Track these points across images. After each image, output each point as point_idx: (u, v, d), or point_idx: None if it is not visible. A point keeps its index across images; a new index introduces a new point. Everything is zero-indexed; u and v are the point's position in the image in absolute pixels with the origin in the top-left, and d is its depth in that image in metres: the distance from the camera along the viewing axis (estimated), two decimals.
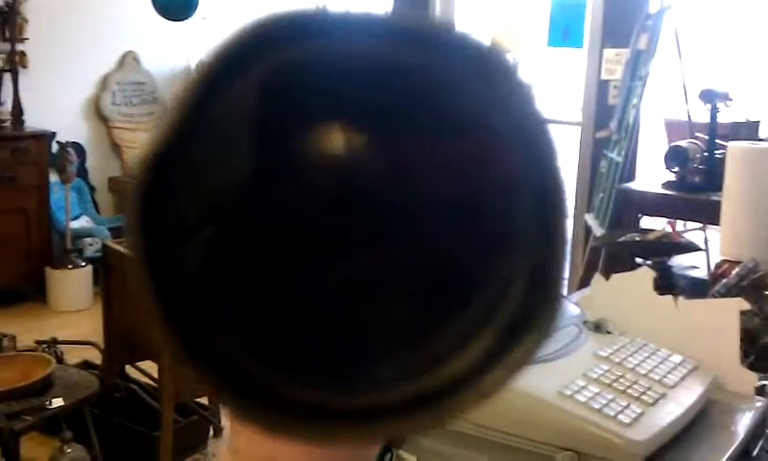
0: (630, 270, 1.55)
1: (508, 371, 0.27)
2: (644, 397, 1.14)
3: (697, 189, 3.37)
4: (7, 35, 4.66)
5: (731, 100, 3.48)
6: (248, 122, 0.32)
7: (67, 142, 4.55)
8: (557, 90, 5.55)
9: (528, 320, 0.28)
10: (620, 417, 1.08)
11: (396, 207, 0.32)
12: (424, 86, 0.30)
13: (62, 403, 2.39)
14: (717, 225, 2.83)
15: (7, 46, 4.65)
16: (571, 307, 1.40)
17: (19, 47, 4.69)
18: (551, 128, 0.28)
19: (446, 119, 0.31)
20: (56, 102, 4.91)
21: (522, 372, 0.28)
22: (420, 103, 0.31)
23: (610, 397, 1.12)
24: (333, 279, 0.33)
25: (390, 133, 0.32)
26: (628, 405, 1.11)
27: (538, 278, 0.28)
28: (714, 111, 3.41)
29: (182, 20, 4.41)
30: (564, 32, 4.78)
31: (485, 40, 0.28)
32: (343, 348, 0.32)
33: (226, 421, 3.03)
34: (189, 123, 0.28)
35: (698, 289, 2.21)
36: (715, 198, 3.03)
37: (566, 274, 4.38)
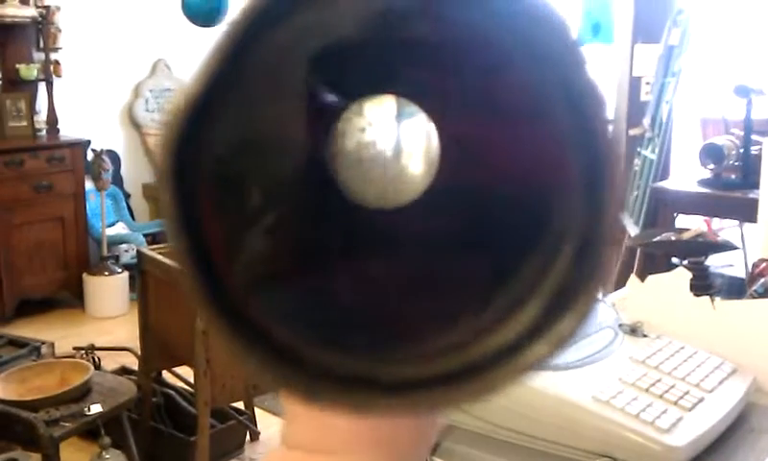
0: (666, 270, 1.54)
1: (551, 345, 0.27)
2: (682, 401, 1.13)
3: (733, 186, 3.32)
4: (41, 45, 4.73)
5: (764, 95, 3.43)
6: (290, 86, 0.31)
7: (102, 150, 4.61)
8: None
9: (572, 293, 0.27)
10: (658, 422, 1.07)
11: (448, 182, 0.32)
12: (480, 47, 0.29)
13: (101, 409, 2.42)
14: (754, 222, 2.79)
15: (41, 56, 4.72)
16: (606, 310, 1.39)
17: (53, 57, 4.75)
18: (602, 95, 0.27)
19: (498, 89, 0.31)
20: (90, 110, 4.97)
21: (565, 347, 0.28)
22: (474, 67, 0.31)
23: (647, 401, 1.11)
24: (382, 256, 0.34)
25: (443, 110, 0.32)
26: (666, 410, 1.10)
27: (585, 248, 0.27)
28: (750, 107, 3.36)
29: (212, 26, 4.44)
30: (593, 28, 4.74)
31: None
32: (393, 320, 0.32)
33: (265, 426, 3.05)
34: (227, 70, 0.27)
35: (735, 289, 2.18)
36: (752, 195, 2.99)
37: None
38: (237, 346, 0.28)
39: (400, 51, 0.31)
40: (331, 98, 0.33)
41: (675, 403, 1.12)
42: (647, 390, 1.14)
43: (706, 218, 4.22)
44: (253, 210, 0.31)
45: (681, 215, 3.69)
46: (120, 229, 4.94)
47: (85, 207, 4.65)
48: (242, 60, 0.27)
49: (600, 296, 0.28)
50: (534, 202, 0.30)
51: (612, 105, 4.48)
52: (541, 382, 1.12)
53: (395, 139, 0.33)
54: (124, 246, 4.80)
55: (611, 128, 0.27)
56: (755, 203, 2.20)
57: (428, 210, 0.33)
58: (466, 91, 0.32)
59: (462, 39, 0.29)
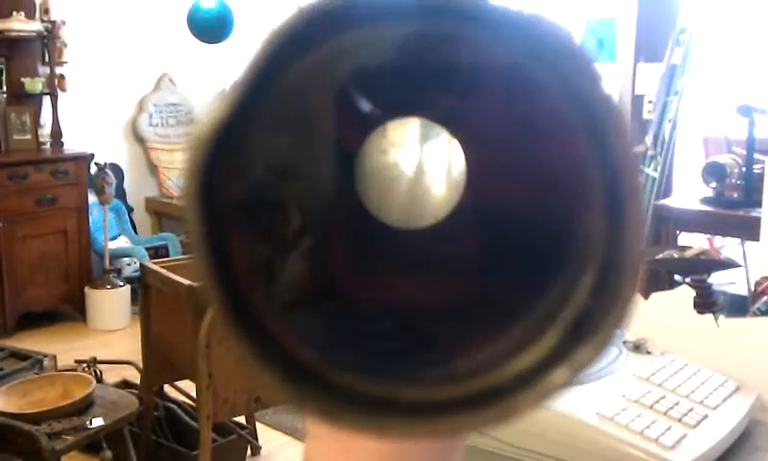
0: (669, 288, 1.54)
1: (571, 370, 0.27)
2: (686, 418, 1.13)
3: (735, 205, 3.33)
4: (46, 59, 4.75)
5: (767, 114, 3.44)
6: (314, 112, 0.31)
7: (105, 163, 4.62)
8: None
9: (593, 321, 0.27)
10: (662, 439, 1.07)
11: (473, 203, 0.33)
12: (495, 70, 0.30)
13: (103, 423, 2.41)
14: (756, 240, 2.79)
15: (46, 70, 4.74)
16: None
17: (59, 70, 4.77)
18: (622, 114, 0.27)
19: (515, 109, 0.31)
20: (94, 124, 4.99)
21: (586, 373, 0.27)
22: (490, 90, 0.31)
23: (651, 418, 1.11)
24: (409, 278, 0.34)
25: (465, 131, 0.32)
26: (670, 427, 1.10)
27: (606, 277, 0.27)
28: (752, 126, 3.37)
29: (217, 43, 4.46)
30: (596, 46, 4.76)
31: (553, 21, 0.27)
32: (415, 342, 0.32)
33: (266, 440, 3.04)
34: (251, 100, 0.27)
35: (737, 307, 2.18)
36: (754, 214, 2.99)
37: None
38: (255, 361, 0.27)
39: (425, 75, 0.31)
40: (358, 120, 0.33)
41: (679, 420, 1.12)
42: (651, 407, 1.14)
43: (708, 236, 4.22)
44: (282, 233, 0.31)
45: (683, 233, 3.69)
46: (122, 242, 4.95)
47: (88, 221, 4.66)
48: (270, 86, 0.27)
49: (621, 327, 0.27)
50: (555, 223, 0.30)
51: None
52: None
53: (417, 161, 0.33)
54: (126, 259, 4.80)
55: (631, 145, 0.27)
56: (757, 221, 2.21)
57: (454, 231, 0.33)
58: (490, 114, 0.32)
59: (487, 64, 0.30)
